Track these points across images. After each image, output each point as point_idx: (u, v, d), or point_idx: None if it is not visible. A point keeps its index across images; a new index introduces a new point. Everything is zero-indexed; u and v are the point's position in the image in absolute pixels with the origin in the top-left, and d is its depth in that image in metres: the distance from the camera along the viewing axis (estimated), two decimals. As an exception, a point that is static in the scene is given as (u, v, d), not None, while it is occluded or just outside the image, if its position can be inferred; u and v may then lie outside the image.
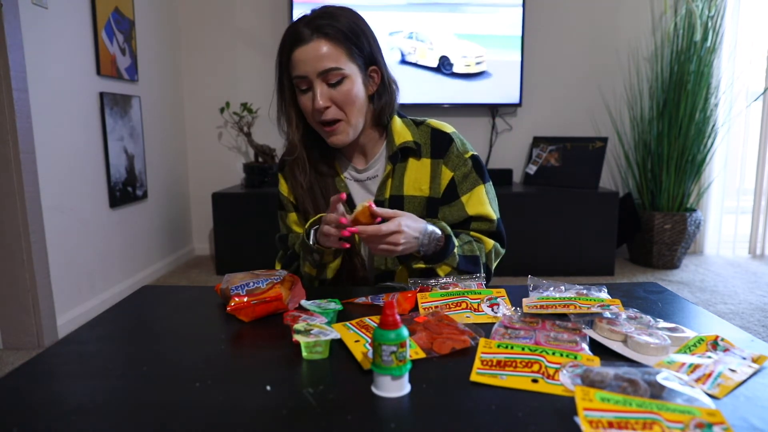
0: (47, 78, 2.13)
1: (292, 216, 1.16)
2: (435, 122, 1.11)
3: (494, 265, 1.11)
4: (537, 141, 3.41)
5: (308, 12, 0.99)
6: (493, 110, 3.44)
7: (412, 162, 1.08)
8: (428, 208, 1.08)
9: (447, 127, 1.11)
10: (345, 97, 0.97)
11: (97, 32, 2.45)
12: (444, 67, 3.27)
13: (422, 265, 1.00)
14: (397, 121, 1.09)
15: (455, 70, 3.27)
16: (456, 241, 1.01)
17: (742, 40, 3.34)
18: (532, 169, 3.37)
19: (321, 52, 0.95)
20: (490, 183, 1.12)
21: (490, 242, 1.08)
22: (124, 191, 2.70)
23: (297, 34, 0.96)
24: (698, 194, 3.43)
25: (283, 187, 1.15)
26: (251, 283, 0.84)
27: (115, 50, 2.60)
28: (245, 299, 0.80)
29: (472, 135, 3.49)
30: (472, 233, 1.08)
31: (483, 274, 1.03)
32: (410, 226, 0.92)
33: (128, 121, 2.74)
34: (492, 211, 1.09)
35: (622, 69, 3.41)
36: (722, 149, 3.42)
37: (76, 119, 2.33)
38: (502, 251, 1.12)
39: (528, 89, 3.39)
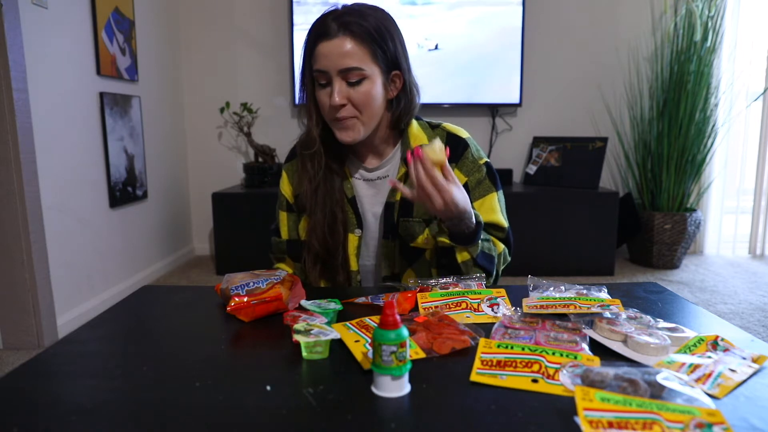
0: (47, 78, 2.12)
1: (283, 216, 1.15)
2: (450, 126, 1.11)
3: (500, 269, 1.11)
4: (537, 141, 3.41)
5: (336, 6, 0.98)
6: (493, 110, 3.44)
7: None
8: None
9: (462, 132, 1.10)
10: (362, 97, 0.96)
11: (97, 32, 2.45)
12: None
13: (446, 240, 0.98)
14: (414, 124, 1.08)
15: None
16: (482, 234, 1.01)
17: (742, 40, 3.34)
18: (532, 169, 3.37)
19: (344, 49, 0.93)
20: (502, 191, 1.11)
21: (501, 246, 1.08)
22: (124, 191, 2.70)
23: (323, 27, 0.94)
24: (698, 194, 3.43)
25: (284, 184, 1.15)
26: (251, 283, 0.84)
27: (115, 50, 2.60)
28: (245, 299, 0.80)
29: (472, 135, 3.46)
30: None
31: (492, 276, 1.03)
32: (459, 198, 0.89)
33: (128, 121, 2.74)
34: (504, 219, 1.09)
35: (622, 69, 3.41)
36: (722, 149, 3.42)
37: (76, 119, 2.33)
38: (509, 258, 1.11)
39: (528, 89, 3.39)
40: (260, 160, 3.32)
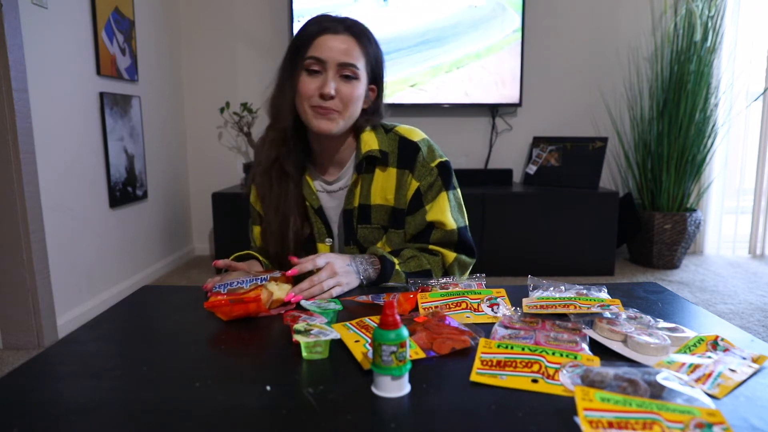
0: (47, 78, 2.12)
1: (257, 230, 1.18)
2: (404, 129, 1.10)
3: (463, 276, 1.10)
4: (537, 141, 3.41)
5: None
6: (493, 110, 3.44)
7: (379, 171, 1.07)
8: (392, 218, 1.08)
9: (416, 134, 1.09)
10: (350, 94, 1.00)
11: (97, 32, 2.45)
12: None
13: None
14: (366, 130, 1.09)
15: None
16: (395, 259, 1.01)
17: (742, 40, 3.34)
18: (532, 169, 3.37)
19: (347, 45, 0.99)
20: (456, 191, 1.11)
21: (452, 254, 1.07)
22: (124, 191, 2.70)
23: (331, 24, 1.00)
24: (698, 194, 3.43)
25: (255, 198, 1.17)
26: (234, 283, 0.84)
27: (115, 50, 2.60)
28: (224, 295, 0.80)
29: (472, 135, 3.49)
30: (431, 246, 1.07)
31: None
32: (335, 257, 0.94)
33: (128, 121, 2.74)
34: (451, 219, 1.07)
35: (622, 69, 3.41)
36: (722, 149, 3.42)
37: (76, 119, 2.33)
38: (470, 261, 1.10)
39: (528, 89, 3.39)
40: (260, 160, 3.32)
